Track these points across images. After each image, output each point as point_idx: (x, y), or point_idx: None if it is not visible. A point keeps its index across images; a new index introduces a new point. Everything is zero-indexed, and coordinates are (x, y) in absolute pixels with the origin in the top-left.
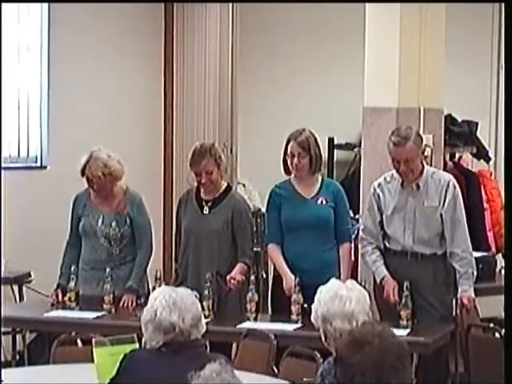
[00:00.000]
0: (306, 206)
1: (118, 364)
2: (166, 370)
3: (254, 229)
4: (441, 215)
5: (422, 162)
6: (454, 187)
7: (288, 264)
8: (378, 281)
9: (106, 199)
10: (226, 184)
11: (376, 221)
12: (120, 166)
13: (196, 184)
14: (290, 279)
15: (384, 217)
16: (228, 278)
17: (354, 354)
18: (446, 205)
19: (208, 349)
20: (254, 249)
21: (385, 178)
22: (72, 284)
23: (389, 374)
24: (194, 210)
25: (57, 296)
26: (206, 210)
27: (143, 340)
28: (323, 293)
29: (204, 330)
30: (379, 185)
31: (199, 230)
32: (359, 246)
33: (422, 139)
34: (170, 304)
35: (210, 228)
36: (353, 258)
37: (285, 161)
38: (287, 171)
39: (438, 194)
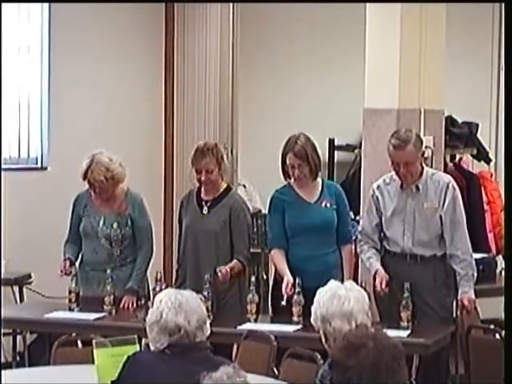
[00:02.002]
0: (312, 211)
1: (119, 365)
2: (171, 373)
3: (255, 230)
4: (440, 217)
5: (421, 164)
6: (454, 188)
7: (293, 268)
8: (371, 274)
9: (108, 201)
10: (225, 185)
11: (373, 223)
12: (122, 168)
13: (197, 184)
14: (289, 280)
15: (383, 219)
16: (218, 269)
17: (349, 358)
18: (445, 206)
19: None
20: (255, 250)
21: (384, 180)
22: (73, 285)
23: (385, 375)
24: (194, 210)
25: (65, 266)
26: (205, 210)
27: (143, 341)
28: (322, 294)
29: (209, 332)
30: (378, 187)
31: (198, 230)
32: (357, 245)
33: (421, 142)
34: (176, 306)
35: (209, 228)
36: (353, 258)
37: (283, 167)
38: (287, 176)
39: (437, 196)
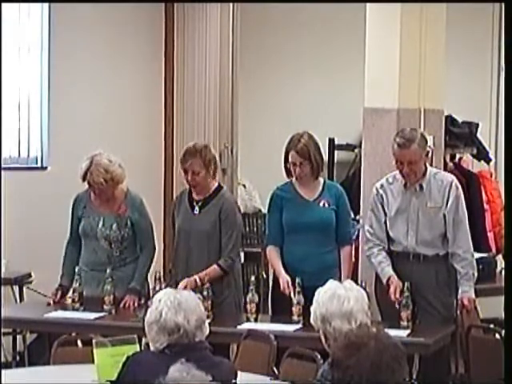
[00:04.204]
0: (309, 209)
1: (119, 365)
2: None
3: (255, 229)
4: (444, 216)
5: (424, 163)
6: (457, 188)
7: (289, 266)
8: (384, 281)
9: (107, 201)
10: (216, 184)
11: (381, 222)
12: (121, 169)
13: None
14: (284, 279)
15: (387, 218)
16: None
17: (350, 357)
18: (448, 205)
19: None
20: (255, 250)
21: (387, 179)
22: (76, 284)
23: (386, 374)
24: (186, 210)
25: (56, 295)
26: (196, 210)
27: (143, 341)
28: (321, 294)
29: (207, 332)
30: (382, 186)
31: (189, 230)
32: (365, 248)
33: (426, 141)
34: (176, 305)
35: (200, 228)
36: (353, 259)
37: (285, 165)
38: (289, 174)
39: (440, 195)
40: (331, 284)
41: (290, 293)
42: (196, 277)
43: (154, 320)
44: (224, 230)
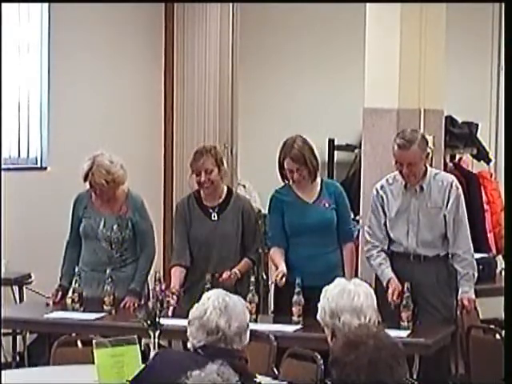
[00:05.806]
0: (310, 211)
1: (119, 365)
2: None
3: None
4: (444, 216)
5: (425, 164)
6: (457, 188)
7: (294, 267)
8: (384, 284)
9: (108, 202)
10: (226, 188)
11: (381, 223)
12: (123, 170)
13: (196, 187)
14: (280, 268)
15: (387, 219)
16: (225, 273)
17: (348, 354)
18: (449, 206)
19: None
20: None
21: (387, 180)
22: (76, 285)
23: (384, 372)
24: (201, 217)
25: (56, 296)
26: (214, 217)
27: (143, 341)
28: (330, 289)
29: (247, 342)
30: (382, 187)
31: (211, 236)
32: (364, 249)
33: (427, 142)
34: (222, 307)
35: (222, 233)
36: (355, 257)
37: (281, 171)
38: (285, 178)
39: (440, 196)
40: (340, 280)
41: (277, 281)
42: (236, 270)
43: (198, 316)
44: (248, 230)
